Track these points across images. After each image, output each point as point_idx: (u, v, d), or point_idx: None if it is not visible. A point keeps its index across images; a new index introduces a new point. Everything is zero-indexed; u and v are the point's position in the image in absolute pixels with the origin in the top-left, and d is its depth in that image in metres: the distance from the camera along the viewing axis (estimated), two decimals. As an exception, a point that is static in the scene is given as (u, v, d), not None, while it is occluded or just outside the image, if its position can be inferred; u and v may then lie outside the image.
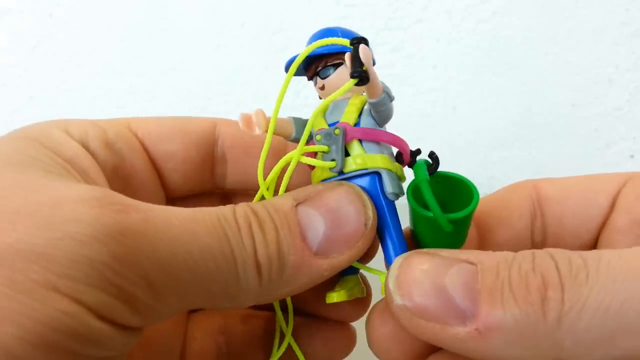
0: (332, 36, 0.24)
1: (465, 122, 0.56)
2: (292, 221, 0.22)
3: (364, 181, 0.24)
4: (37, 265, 0.16)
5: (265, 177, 0.25)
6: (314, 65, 0.25)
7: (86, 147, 0.24)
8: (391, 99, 0.24)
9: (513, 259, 0.20)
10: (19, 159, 0.20)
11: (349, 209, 0.23)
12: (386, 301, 0.22)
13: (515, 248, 0.28)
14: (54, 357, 0.16)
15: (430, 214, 0.23)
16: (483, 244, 0.28)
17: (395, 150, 0.25)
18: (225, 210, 0.21)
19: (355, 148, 0.24)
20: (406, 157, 0.25)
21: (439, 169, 0.25)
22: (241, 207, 0.21)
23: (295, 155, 0.24)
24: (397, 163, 0.25)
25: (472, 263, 0.20)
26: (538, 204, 0.27)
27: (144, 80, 0.57)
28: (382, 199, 0.24)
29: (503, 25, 0.55)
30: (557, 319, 0.18)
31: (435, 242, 0.24)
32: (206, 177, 0.28)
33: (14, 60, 0.57)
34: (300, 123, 0.25)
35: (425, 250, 0.22)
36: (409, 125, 0.56)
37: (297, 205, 0.22)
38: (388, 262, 0.24)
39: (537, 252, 0.20)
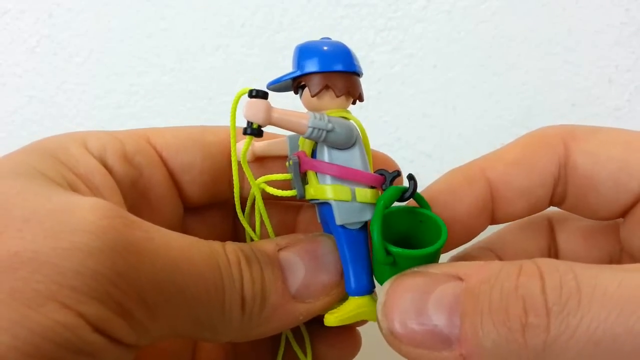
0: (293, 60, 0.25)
1: (465, 122, 0.56)
2: (275, 263, 0.23)
3: (325, 209, 0.24)
4: (40, 274, 0.16)
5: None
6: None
7: (104, 162, 0.24)
8: (324, 130, 0.23)
9: (497, 276, 0.19)
10: (29, 172, 0.21)
11: (328, 258, 0.24)
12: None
13: (532, 213, 0.27)
14: None
15: (373, 237, 0.22)
16: (496, 214, 0.26)
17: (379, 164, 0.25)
18: (216, 245, 0.22)
19: (310, 177, 0.24)
20: (374, 185, 0.24)
21: (432, 210, 0.24)
22: (230, 245, 0.23)
23: (254, 187, 0.25)
24: (364, 189, 0.24)
25: (460, 279, 0.20)
26: (564, 170, 0.25)
27: (144, 80, 0.57)
28: (337, 228, 0.24)
29: (503, 25, 0.55)
30: (542, 347, 0.18)
31: (376, 268, 0.24)
32: (224, 187, 0.28)
33: (14, 60, 0.57)
34: (296, 139, 0.26)
35: (413, 271, 0.22)
36: (408, 125, 0.56)
37: (279, 250, 0.24)
38: (346, 290, 0.24)
39: (525, 265, 0.19)
